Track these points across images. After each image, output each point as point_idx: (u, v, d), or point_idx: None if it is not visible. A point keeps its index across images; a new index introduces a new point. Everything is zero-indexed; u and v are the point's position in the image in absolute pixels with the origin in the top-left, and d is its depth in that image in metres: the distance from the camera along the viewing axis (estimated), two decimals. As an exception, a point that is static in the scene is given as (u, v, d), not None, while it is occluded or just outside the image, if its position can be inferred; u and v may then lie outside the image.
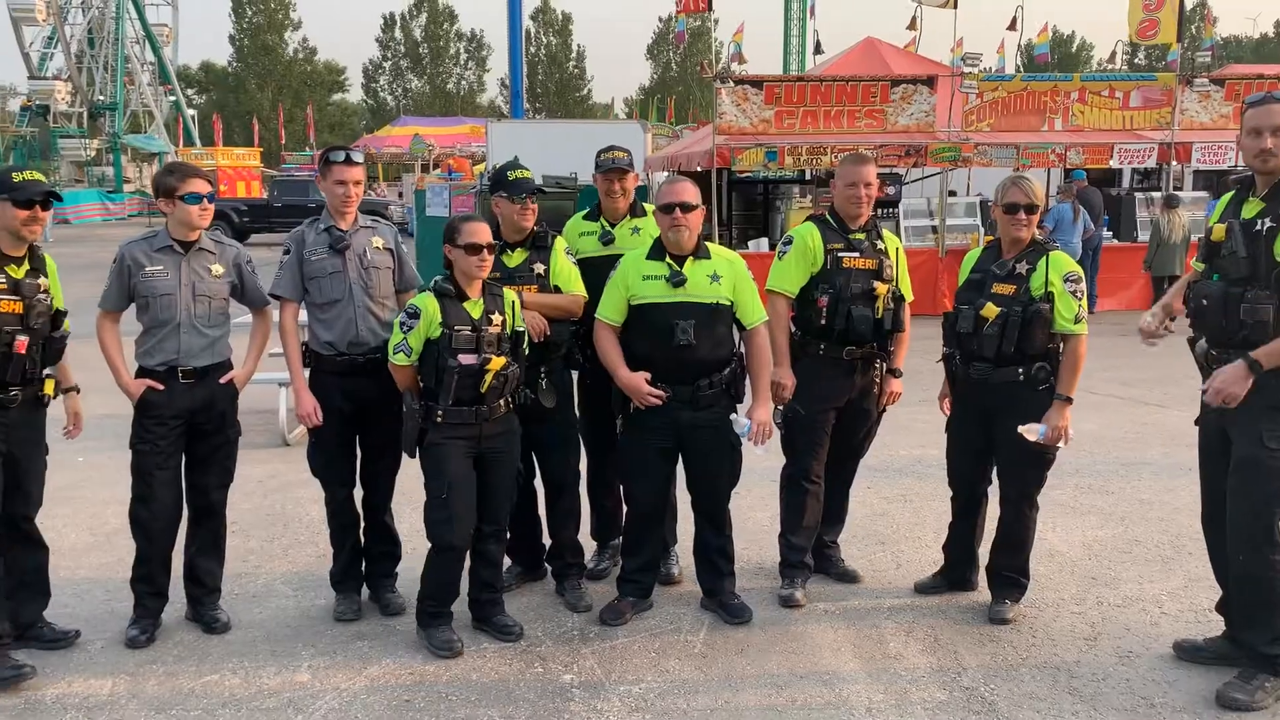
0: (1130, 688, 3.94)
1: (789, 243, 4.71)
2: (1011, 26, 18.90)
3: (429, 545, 4.23)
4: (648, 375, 4.28)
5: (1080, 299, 4.33)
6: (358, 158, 4.54)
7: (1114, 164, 14.61)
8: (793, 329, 4.73)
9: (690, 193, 4.32)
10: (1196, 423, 4.12)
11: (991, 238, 4.63)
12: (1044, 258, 4.35)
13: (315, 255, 4.43)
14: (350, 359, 4.41)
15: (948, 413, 4.73)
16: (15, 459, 4.03)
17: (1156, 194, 15.61)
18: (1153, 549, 5.38)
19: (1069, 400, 4.33)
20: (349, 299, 4.43)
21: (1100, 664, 4.13)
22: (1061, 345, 4.37)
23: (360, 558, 4.68)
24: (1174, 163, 14.51)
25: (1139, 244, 14.69)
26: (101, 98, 52.25)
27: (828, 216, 4.73)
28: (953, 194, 15.96)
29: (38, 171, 4.06)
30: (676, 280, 4.28)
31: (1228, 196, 3.99)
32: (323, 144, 55.53)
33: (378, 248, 4.52)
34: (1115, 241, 15.25)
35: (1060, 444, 4.34)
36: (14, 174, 3.92)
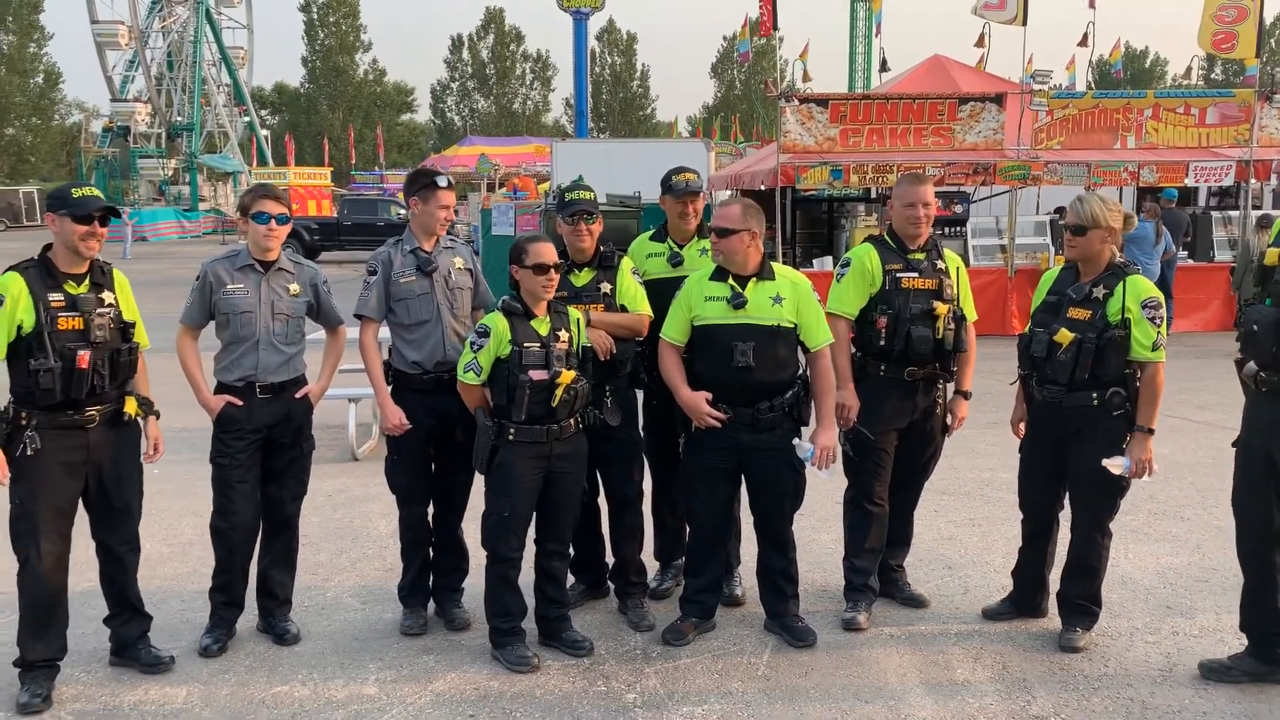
0: (1208, 721, 3.83)
1: (847, 265, 4.69)
2: (1083, 42, 18.66)
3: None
4: (708, 395, 4.28)
5: (1159, 325, 4.21)
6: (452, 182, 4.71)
7: (1189, 182, 14.29)
8: (853, 350, 4.70)
9: (730, 218, 4.28)
10: (1235, 444, 4.09)
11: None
12: (1122, 282, 4.25)
13: (404, 278, 4.53)
14: (436, 376, 4.49)
15: (1022, 437, 4.66)
16: (104, 484, 4.07)
17: (1234, 213, 15.22)
18: (1230, 578, 5.21)
19: (1150, 431, 4.25)
20: (437, 320, 4.53)
21: (1176, 696, 4.02)
22: (1139, 371, 4.28)
23: (428, 572, 4.73)
24: (1253, 180, 14.15)
25: (1216, 264, 14.34)
26: (179, 119, 53.82)
27: (886, 237, 4.70)
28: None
29: (96, 188, 4.09)
30: (737, 302, 4.28)
31: None
32: (392, 164, 56.53)
33: (459, 268, 4.64)
34: (1190, 261, 14.91)
35: (1145, 477, 4.25)
36: (73, 190, 3.96)
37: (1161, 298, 4.33)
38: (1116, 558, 5.53)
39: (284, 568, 4.61)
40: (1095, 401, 4.25)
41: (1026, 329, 4.51)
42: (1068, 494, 4.48)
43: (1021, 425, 4.65)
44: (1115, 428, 4.26)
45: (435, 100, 79.81)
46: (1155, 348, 4.21)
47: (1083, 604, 4.45)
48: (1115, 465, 4.20)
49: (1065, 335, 4.25)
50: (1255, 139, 13.97)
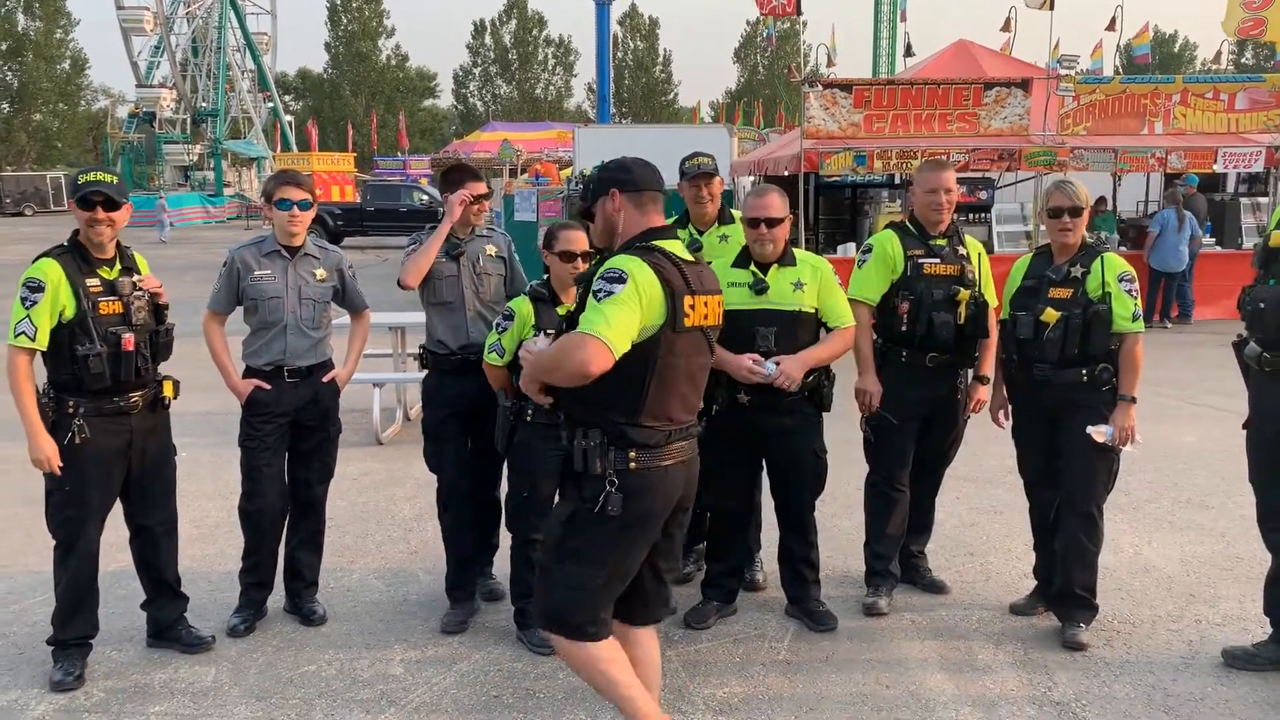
0: (1229, 709, 3.83)
1: (868, 251, 4.71)
2: (1110, 27, 18.36)
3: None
4: (756, 356, 4.24)
5: (1135, 297, 4.31)
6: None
7: (1218, 168, 14.12)
8: (875, 337, 4.72)
9: (776, 207, 4.31)
10: (1245, 426, 4.13)
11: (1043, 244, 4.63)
12: (1098, 259, 4.33)
13: (436, 259, 4.58)
14: (463, 358, 4.53)
15: (1003, 425, 4.67)
16: (145, 466, 4.14)
17: (1263, 199, 15.06)
18: (1255, 566, 5.19)
19: (1133, 400, 4.27)
20: (461, 302, 4.58)
21: (1198, 684, 4.02)
22: (1121, 345, 4.30)
23: (472, 563, 4.73)
24: (1283, 167, 13.99)
25: (1241, 251, 14.18)
26: (204, 104, 54.13)
27: (908, 223, 4.71)
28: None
29: (104, 173, 4.03)
30: (759, 288, 4.30)
31: None
32: (414, 149, 56.58)
33: (490, 255, 4.69)
34: (1218, 249, 14.76)
35: (1126, 446, 4.25)
36: (80, 177, 3.96)
37: (1134, 272, 4.40)
38: (1140, 546, 5.54)
39: (311, 550, 4.67)
40: (1085, 378, 4.27)
41: (1005, 315, 4.54)
42: (1061, 476, 4.44)
43: (1001, 414, 4.67)
44: (1106, 401, 4.29)
45: (458, 85, 79.94)
46: (1135, 319, 4.28)
47: (1083, 596, 4.38)
48: (1099, 433, 4.23)
49: (1051, 314, 4.30)
50: (1286, 124, 13.80)
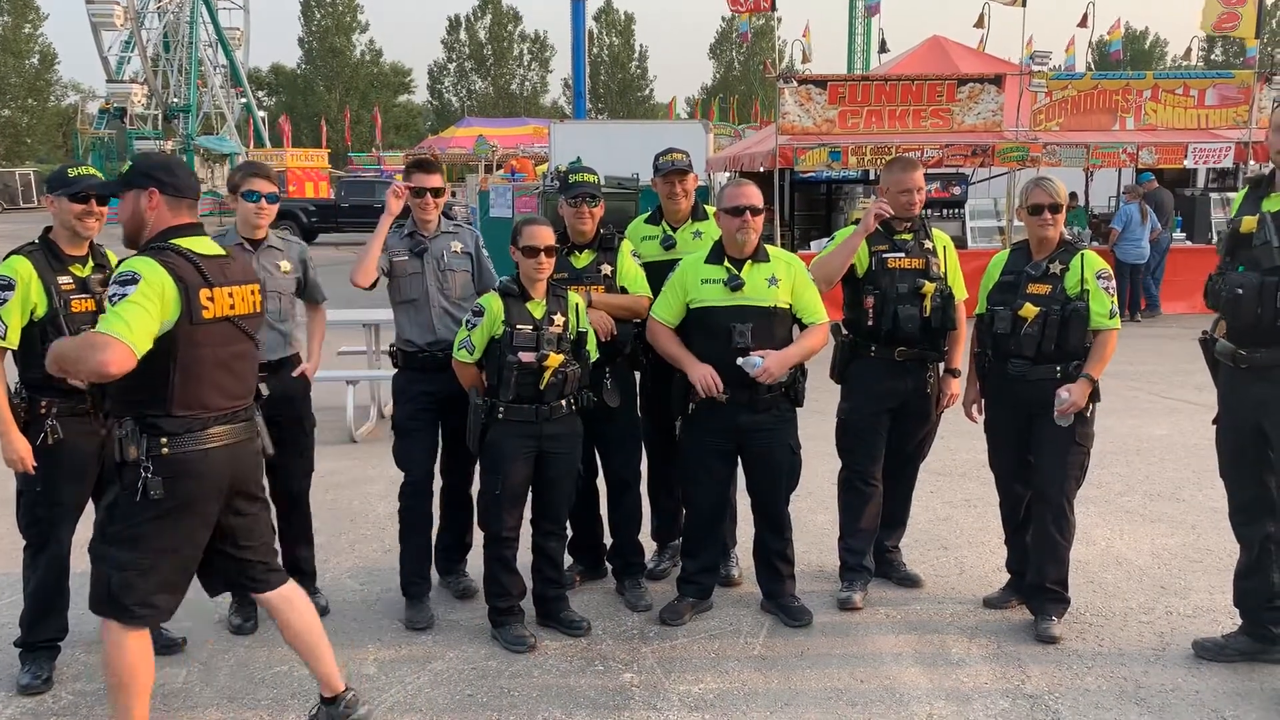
0: (1200, 700, 3.86)
1: (831, 239, 4.78)
2: (1083, 23, 18.49)
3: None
4: (712, 370, 4.26)
5: (1112, 295, 4.34)
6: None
7: (1188, 164, 14.27)
8: (844, 332, 4.74)
9: (757, 196, 4.36)
10: (1215, 422, 4.16)
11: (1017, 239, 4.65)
12: (1076, 257, 4.35)
13: (397, 256, 4.56)
14: (431, 355, 4.50)
15: (976, 419, 4.69)
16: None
17: (1233, 195, 15.20)
18: (1224, 558, 5.25)
19: (1092, 380, 4.28)
20: (426, 300, 4.56)
21: (1169, 676, 4.05)
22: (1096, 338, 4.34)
23: (429, 560, 4.72)
24: (1252, 162, 14.13)
25: (1211, 246, 14.32)
26: (176, 100, 53.55)
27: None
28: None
29: (93, 168, 4.07)
30: (734, 284, 4.30)
31: (1244, 192, 4.12)
32: (389, 145, 56.26)
33: (456, 252, 4.67)
34: (1189, 244, 14.90)
35: (1059, 420, 4.24)
36: (69, 170, 3.98)
37: (1110, 270, 4.45)
38: (1112, 539, 5.58)
39: (303, 543, 4.66)
40: (1059, 374, 4.29)
41: (980, 309, 4.55)
42: (1034, 470, 4.45)
43: (975, 408, 4.69)
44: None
45: (432, 81, 79.44)
46: (1111, 315, 4.32)
47: (1055, 589, 4.40)
48: (1062, 393, 4.23)
49: (1030, 309, 4.31)
50: (1254, 120, 13.95)
